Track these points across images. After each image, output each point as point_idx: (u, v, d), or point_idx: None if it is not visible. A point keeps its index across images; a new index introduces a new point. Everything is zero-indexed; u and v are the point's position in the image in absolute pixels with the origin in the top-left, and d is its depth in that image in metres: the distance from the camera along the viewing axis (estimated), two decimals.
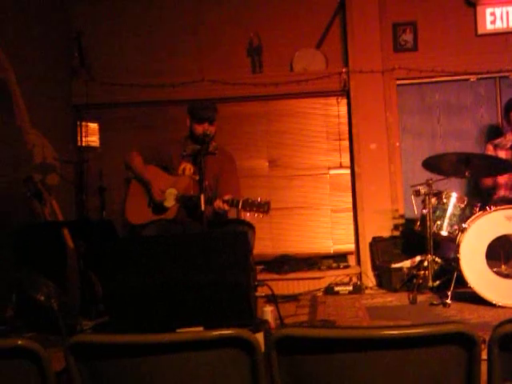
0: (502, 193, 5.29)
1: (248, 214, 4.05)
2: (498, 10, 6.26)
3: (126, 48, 6.45)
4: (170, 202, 4.29)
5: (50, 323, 3.50)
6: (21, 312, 3.85)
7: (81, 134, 6.00)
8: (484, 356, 1.72)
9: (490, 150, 5.50)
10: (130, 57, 6.44)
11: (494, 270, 4.55)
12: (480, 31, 6.27)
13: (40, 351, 1.83)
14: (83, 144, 6.00)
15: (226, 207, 4.05)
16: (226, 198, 4.06)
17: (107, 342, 1.85)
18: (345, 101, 6.39)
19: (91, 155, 6.15)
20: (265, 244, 5.83)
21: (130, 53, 6.45)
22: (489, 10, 6.26)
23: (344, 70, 6.32)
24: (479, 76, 6.33)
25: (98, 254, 3.97)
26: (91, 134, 5.97)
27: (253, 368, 1.79)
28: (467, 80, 6.37)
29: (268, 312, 3.78)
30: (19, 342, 1.84)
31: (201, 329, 1.88)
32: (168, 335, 1.81)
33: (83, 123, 6.00)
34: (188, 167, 4.38)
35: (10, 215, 4.56)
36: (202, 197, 3.93)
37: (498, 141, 5.55)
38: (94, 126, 5.99)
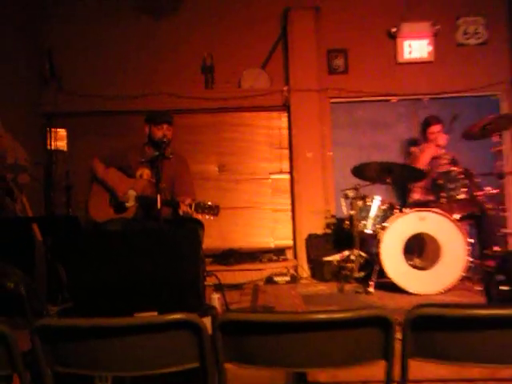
0: (417, 196, 5.41)
1: (200, 216, 4.04)
2: (414, 43, 6.41)
3: (93, 63, 6.35)
4: (130, 202, 4.21)
5: (19, 308, 3.41)
6: None
7: (50, 138, 5.90)
8: (399, 336, 1.76)
9: (415, 152, 5.61)
10: (96, 70, 6.34)
11: (409, 263, 4.65)
12: (400, 60, 6.42)
13: (7, 332, 1.79)
14: (52, 147, 5.90)
15: (190, 210, 4.01)
16: (187, 202, 4.03)
17: (70, 325, 1.83)
18: (286, 115, 6.42)
19: (59, 157, 6.06)
20: (214, 239, 5.81)
21: (96, 67, 6.35)
22: (407, 42, 6.40)
23: (285, 88, 6.36)
24: (399, 98, 6.48)
25: (64, 247, 3.90)
26: (60, 139, 5.86)
27: (200, 347, 1.79)
28: (389, 101, 6.50)
29: (215, 299, 3.77)
30: None
31: (155, 313, 1.86)
32: (126, 319, 1.80)
33: (53, 129, 5.89)
34: (145, 172, 4.32)
35: None
36: (159, 197, 3.91)
37: (419, 147, 5.67)
38: (62, 131, 5.88)
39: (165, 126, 4.32)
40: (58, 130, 5.89)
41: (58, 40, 6.32)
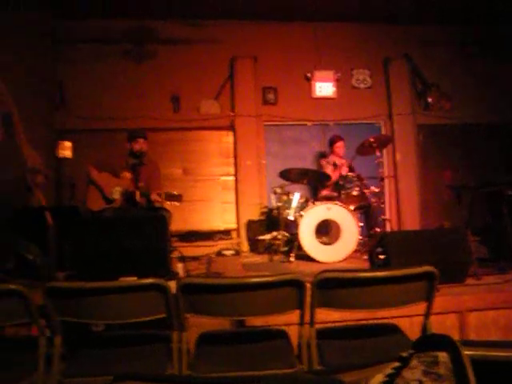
0: (324, 193, 5.44)
1: (168, 203, 4.02)
2: (324, 84, 6.50)
3: (92, 93, 6.15)
4: (116, 196, 4.15)
5: (35, 273, 3.33)
6: (17, 265, 3.63)
7: (59, 149, 5.73)
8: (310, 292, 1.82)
9: (323, 164, 5.68)
10: (94, 99, 6.14)
11: (319, 240, 4.67)
12: (313, 96, 6.50)
13: (24, 291, 1.77)
14: (60, 156, 5.75)
15: (159, 199, 3.99)
16: (158, 192, 4.01)
17: (73, 286, 1.82)
18: (232, 133, 6.41)
19: (66, 163, 5.89)
20: (179, 223, 5.72)
21: (94, 96, 6.14)
22: (318, 84, 6.49)
23: (232, 113, 6.36)
24: (312, 123, 6.57)
25: (69, 228, 3.82)
26: (66, 149, 5.68)
27: (166, 303, 1.80)
28: (305, 124, 6.59)
29: (179, 267, 3.74)
30: (11, 287, 1.78)
31: (135, 278, 1.86)
32: (113, 282, 1.80)
33: (61, 142, 5.72)
34: (128, 175, 4.26)
35: (10, 202, 4.26)
36: (138, 193, 3.95)
37: (326, 160, 5.76)
38: (68, 143, 5.69)
39: (140, 141, 4.28)
40: (65, 142, 5.72)
41: (67, 76, 6.13)
